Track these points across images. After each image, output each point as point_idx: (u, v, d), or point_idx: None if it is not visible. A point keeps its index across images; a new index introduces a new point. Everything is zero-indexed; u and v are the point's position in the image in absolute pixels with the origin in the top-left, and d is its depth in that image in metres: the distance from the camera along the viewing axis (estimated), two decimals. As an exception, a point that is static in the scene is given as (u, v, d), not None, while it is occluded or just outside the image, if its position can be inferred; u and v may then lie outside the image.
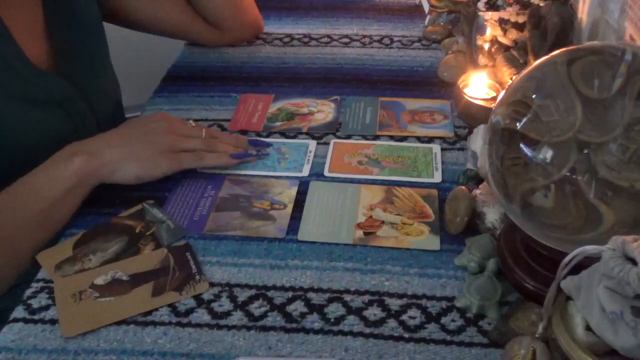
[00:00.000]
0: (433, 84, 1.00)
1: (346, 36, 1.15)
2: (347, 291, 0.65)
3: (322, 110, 0.94)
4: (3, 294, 0.70)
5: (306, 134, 0.89)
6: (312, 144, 0.87)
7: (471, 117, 0.88)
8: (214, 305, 0.64)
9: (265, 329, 0.61)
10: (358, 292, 0.65)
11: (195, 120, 0.87)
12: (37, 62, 0.80)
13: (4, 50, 0.75)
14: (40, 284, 0.67)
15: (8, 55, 0.76)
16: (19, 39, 0.77)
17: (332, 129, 0.90)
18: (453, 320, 0.62)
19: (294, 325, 0.62)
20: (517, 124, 0.57)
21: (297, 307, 0.64)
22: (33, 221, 0.71)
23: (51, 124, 0.81)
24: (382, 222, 0.73)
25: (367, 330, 0.61)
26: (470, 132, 0.84)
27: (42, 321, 0.63)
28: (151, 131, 0.78)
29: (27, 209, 0.71)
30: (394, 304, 0.64)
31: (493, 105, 0.68)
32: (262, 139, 0.88)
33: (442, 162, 0.82)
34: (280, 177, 0.81)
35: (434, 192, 0.78)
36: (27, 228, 0.71)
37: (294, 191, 0.78)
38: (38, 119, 0.79)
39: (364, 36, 1.14)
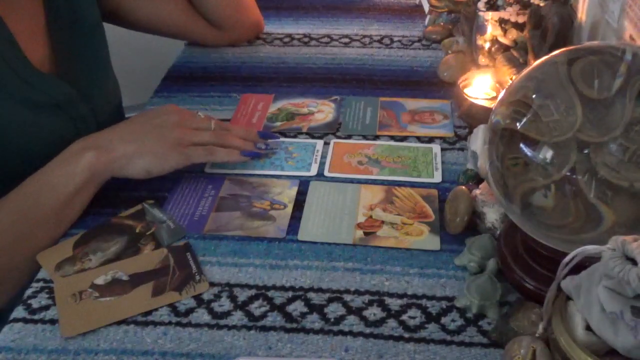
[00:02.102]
0: (433, 84, 1.00)
1: (346, 36, 1.15)
2: (347, 291, 0.65)
3: (322, 110, 0.94)
4: (15, 294, 0.70)
5: (306, 134, 0.89)
6: (320, 143, 0.87)
7: (471, 117, 0.88)
8: (214, 305, 0.64)
9: (265, 329, 0.61)
10: (358, 292, 0.65)
11: None
12: (38, 64, 0.80)
13: (6, 52, 0.75)
14: (40, 284, 0.67)
15: (10, 57, 0.76)
16: (21, 41, 0.77)
17: (332, 129, 0.90)
18: (453, 320, 0.62)
19: (294, 325, 0.62)
20: (517, 124, 0.57)
21: (297, 307, 0.64)
22: (48, 218, 0.71)
23: (52, 127, 0.81)
24: (382, 222, 0.73)
25: (367, 330, 0.61)
26: (470, 132, 0.84)
27: (42, 321, 0.63)
28: (161, 125, 0.78)
29: (42, 206, 0.71)
30: (394, 304, 0.64)
31: (493, 105, 0.68)
32: (271, 132, 0.88)
33: (442, 162, 0.82)
34: (281, 176, 0.81)
35: (434, 192, 0.78)
36: (42, 226, 0.71)
37: (294, 191, 0.78)
38: (39, 122, 0.79)
39: (364, 36, 1.14)
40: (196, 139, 0.78)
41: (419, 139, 0.87)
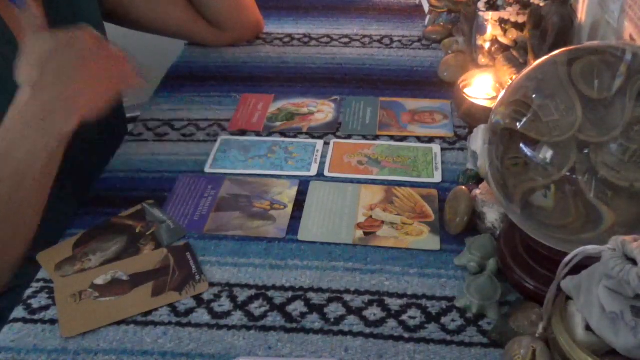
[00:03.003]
0: (433, 84, 1.00)
1: (346, 36, 1.15)
2: (347, 291, 0.65)
3: (322, 110, 0.94)
4: (12, 277, 0.70)
5: (306, 134, 0.89)
6: (319, 143, 0.87)
7: (471, 117, 0.88)
8: (214, 305, 0.64)
9: (265, 329, 0.61)
10: (358, 292, 0.65)
11: (196, 120, 0.89)
12: None
13: (7, 52, 0.75)
14: (40, 284, 0.67)
15: (10, 57, 0.76)
16: (21, 40, 0.77)
17: (332, 129, 0.90)
18: (453, 320, 0.62)
19: (294, 325, 0.62)
20: (517, 124, 0.57)
21: (297, 307, 0.64)
22: (31, 191, 0.69)
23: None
24: (382, 222, 0.73)
25: (367, 330, 0.61)
26: (470, 132, 0.84)
27: (42, 321, 0.63)
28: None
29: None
30: (394, 304, 0.64)
31: (493, 105, 0.68)
32: None
33: (442, 162, 0.82)
34: (281, 176, 0.81)
35: (434, 192, 0.77)
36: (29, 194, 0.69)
37: (294, 191, 0.78)
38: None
39: (364, 36, 1.14)
40: None
41: (419, 139, 0.87)
